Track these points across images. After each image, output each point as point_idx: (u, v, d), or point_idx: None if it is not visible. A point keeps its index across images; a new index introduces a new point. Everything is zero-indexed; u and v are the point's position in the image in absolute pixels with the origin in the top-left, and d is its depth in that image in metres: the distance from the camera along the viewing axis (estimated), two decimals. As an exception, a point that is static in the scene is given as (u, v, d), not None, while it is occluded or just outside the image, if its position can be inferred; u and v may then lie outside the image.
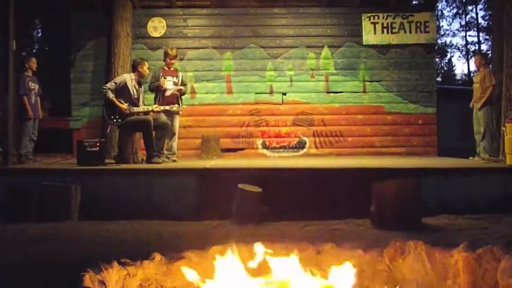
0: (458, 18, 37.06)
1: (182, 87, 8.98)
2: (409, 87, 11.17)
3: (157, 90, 8.73)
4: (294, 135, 11.11)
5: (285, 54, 11.17)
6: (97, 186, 6.87)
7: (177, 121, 9.07)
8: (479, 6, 34.20)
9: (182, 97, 9.13)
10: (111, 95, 7.94)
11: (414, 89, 11.18)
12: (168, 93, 8.73)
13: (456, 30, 38.29)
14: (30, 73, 8.87)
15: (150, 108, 8.29)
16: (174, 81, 8.88)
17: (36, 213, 6.33)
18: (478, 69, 9.65)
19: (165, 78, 8.77)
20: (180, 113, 9.14)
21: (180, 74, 9.19)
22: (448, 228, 5.73)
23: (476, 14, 34.82)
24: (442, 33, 36.91)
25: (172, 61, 8.98)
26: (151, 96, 8.94)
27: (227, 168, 7.77)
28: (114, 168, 7.59)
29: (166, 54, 8.98)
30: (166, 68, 8.94)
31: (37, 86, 8.94)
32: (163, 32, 11.10)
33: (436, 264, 3.32)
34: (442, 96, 12.03)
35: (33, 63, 8.96)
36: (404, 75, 11.19)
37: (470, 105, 9.42)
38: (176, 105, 8.67)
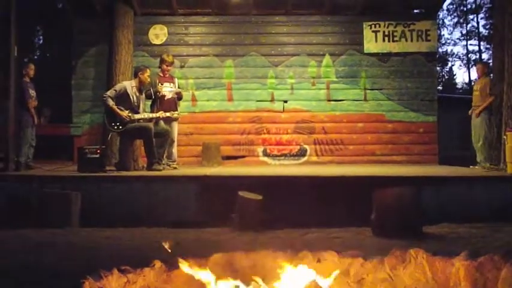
0: (459, 27, 37.28)
1: (180, 90, 9.02)
2: (410, 95, 11.16)
3: (155, 97, 8.70)
4: (295, 143, 11.09)
5: (286, 62, 11.17)
6: (97, 193, 6.87)
7: (176, 128, 9.07)
8: (481, 15, 34.34)
9: (180, 103, 9.17)
10: (111, 103, 7.94)
11: (415, 98, 11.16)
12: (168, 97, 8.74)
13: (457, 39, 38.52)
14: (27, 79, 8.85)
15: (151, 115, 8.30)
16: (170, 87, 8.89)
17: (36, 220, 6.30)
18: (480, 78, 9.64)
19: (162, 84, 8.76)
20: (179, 119, 9.14)
21: (176, 79, 9.21)
22: (449, 236, 5.71)
23: (477, 23, 34.99)
24: (443, 42, 37.05)
25: (169, 67, 8.98)
26: (148, 103, 8.89)
27: (228, 175, 7.77)
28: (115, 175, 7.59)
29: (162, 61, 8.96)
30: (162, 75, 8.95)
31: (35, 93, 8.92)
32: (164, 39, 11.10)
33: (437, 273, 3.31)
34: (443, 104, 12.03)
35: (31, 69, 8.92)
36: (405, 83, 11.17)
37: (469, 112, 9.41)
38: (177, 112, 8.68)
